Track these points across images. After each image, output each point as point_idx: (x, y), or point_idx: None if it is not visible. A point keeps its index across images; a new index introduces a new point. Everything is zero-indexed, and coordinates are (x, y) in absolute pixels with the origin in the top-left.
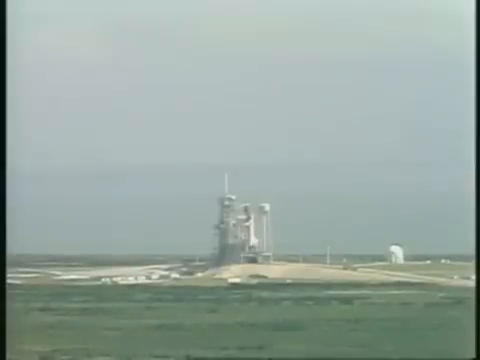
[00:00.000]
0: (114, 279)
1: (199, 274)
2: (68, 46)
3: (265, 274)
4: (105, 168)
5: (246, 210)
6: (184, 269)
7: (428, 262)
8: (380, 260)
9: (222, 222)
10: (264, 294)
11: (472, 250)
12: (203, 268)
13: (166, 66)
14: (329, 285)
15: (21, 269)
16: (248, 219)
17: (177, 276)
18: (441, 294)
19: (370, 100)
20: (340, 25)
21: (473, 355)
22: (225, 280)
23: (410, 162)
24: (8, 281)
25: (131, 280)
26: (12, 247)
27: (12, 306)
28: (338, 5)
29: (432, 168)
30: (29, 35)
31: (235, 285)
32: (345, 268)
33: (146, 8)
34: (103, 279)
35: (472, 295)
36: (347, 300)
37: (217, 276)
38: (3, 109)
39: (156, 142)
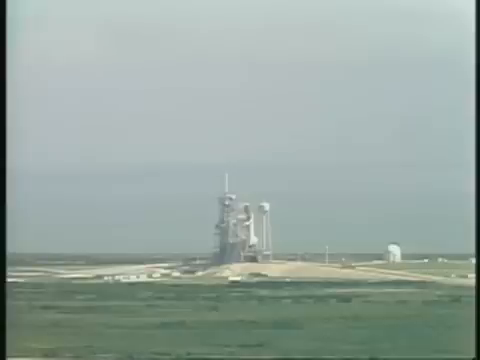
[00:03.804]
0: (116, 277)
1: (200, 273)
2: (68, 48)
3: (265, 273)
4: (105, 168)
5: (246, 209)
6: (185, 268)
7: (425, 261)
8: (378, 259)
9: (222, 221)
10: (264, 292)
11: (468, 249)
12: (204, 267)
13: (166, 67)
14: (328, 283)
15: (23, 268)
16: (248, 218)
17: (178, 274)
18: (438, 292)
19: (370, 100)
20: (340, 25)
21: (471, 352)
22: (226, 278)
23: (409, 162)
24: (11, 280)
25: (133, 278)
26: (14, 246)
27: (15, 304)
28: (338, 4)
29: (431, 168)
30: (30, 37)
31: (235, 283)
32: (344, 267)
33: (146, 10)
34: (105, 277)
35: (469, 293)
36: (346, 298)
37: (218, 275)
38: (3, 109)
39: (156, 142)
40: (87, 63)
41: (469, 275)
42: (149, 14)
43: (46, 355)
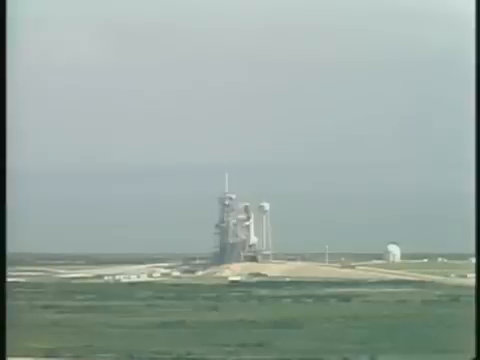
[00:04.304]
0: (116, 277)
1: (200, 272)
2: (68, 48)
3: (265, 272)
4: (105, 168)
5: (246, 209)
6: (185, 267)
7: (425, 260)
8: (378, 258)
9: (222, 221)
10: (264, 292)
11: (467, 249)
12: (204, 266)
13: (166, 67)
14: (328, 283)
15: (23, 268)
16: (248, 218)
17: (178, 274)
18: (438, 292)
19: (370, 100)
20: (340, 25)
21: (470, 352)
22: (225, 278)
23: (409, 162)
24: (11, 280)
25: (133, 278)
26: (14, 246)
27: (16, 304)
28: (338, 4)
29: (431, 168)
30: (30, 37)
31: (235, 283)
32: (343, 266)
33: (146, 9)
34: (105, 277)
35: (468, 293)
36: (345, 298)
37: (218, 274)
38: (3, 109)
39: (156, 142)
40: (87, 63)
41: (468, 275)
42: (149, 13)
43: (46, 355)
